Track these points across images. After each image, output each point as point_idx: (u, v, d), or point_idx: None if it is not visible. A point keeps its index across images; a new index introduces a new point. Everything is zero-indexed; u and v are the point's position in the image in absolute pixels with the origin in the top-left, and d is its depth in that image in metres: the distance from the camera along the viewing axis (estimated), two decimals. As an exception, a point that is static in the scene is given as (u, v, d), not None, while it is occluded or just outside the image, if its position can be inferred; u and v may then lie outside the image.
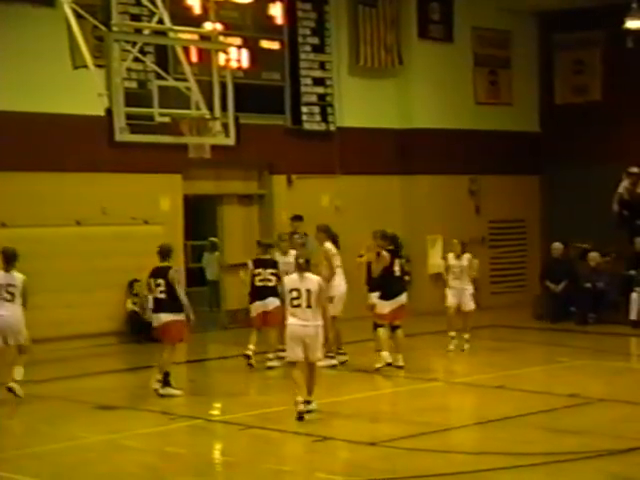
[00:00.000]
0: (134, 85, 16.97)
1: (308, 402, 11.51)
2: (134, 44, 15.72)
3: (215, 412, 12.85)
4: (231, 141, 16.86)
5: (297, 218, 19.22)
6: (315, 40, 20.46)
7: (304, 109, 20.32)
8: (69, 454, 10.44)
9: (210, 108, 15.62)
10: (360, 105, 20.99)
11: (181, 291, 13.51)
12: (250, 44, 19.60)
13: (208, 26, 17.24)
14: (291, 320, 11.56)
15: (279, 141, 19.91)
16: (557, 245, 20.07)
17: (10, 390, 12.90)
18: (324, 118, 20.58)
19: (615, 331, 18.16)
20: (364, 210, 20.63)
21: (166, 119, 16.38)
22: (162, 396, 13.02)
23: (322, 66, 20.60)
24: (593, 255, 19.96)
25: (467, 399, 12.88)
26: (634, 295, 19.07)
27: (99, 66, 14.30)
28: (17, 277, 13.16)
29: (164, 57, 17.14)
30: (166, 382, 13.26)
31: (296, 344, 11.50)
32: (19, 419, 12.23)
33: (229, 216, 20.19)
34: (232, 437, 11.22)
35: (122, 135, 15.02)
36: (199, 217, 21.51)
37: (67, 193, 17.28)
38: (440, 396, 13.00)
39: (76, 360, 15.96)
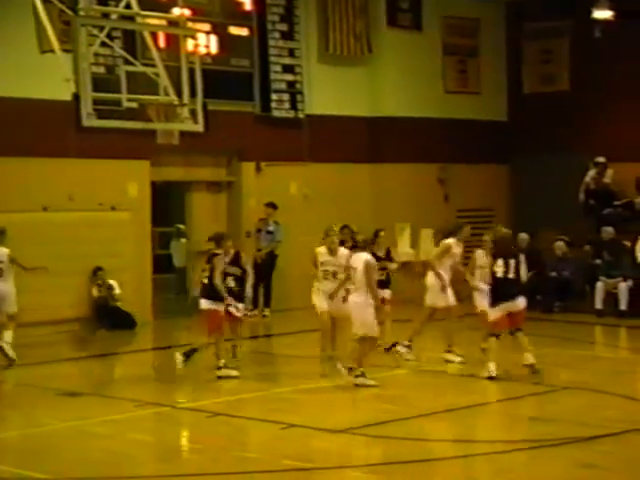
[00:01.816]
0: (102, 70, 16.85)
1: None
2: (101, 29, 15.62)
3: (182, 399, 12.82)
4: (200, 127, 16.79)
5: (271, 205, 19.33)
6: (284, 27, 20.41)
7: (273, 96, 20.27)
8: (34, 441, 10.39)
9: (178, 94, 15.55)
10: (329, 93, 20.97)
11: (218, 278, 13.29)
12: (219, 30, 19.51)
13: (176, 11, 17.16)
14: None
15: (248, 128, 19.85)
16: (523, 235, 20.14)
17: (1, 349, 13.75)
18: (293, 105, 20.54)
19: (580, 320, 18.30)
20: (333, 198, 20.64)
21: (134, 105, 16.30)
22: (220, 378, 13.28)
23: (291, 53, 20.55)
24: (559, 244, 20.09)
25: (434, 387, 12.91)
26: (599, 284, 19.22)
27: (66, 51, 14.19)
28: (2, 252, 13.57)
29: (132, 42, 17.03)
30: (187, 355, 13.58)
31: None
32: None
33: (197, 203, 20.14)
34: (199, 424, 11.21)
35: (89, 120, 14.92)
36: (167, 204, 21.45)
37: (34, 179, 17.17)
38: (408, 384, 13.05)
39: (41, 346, 15.87)
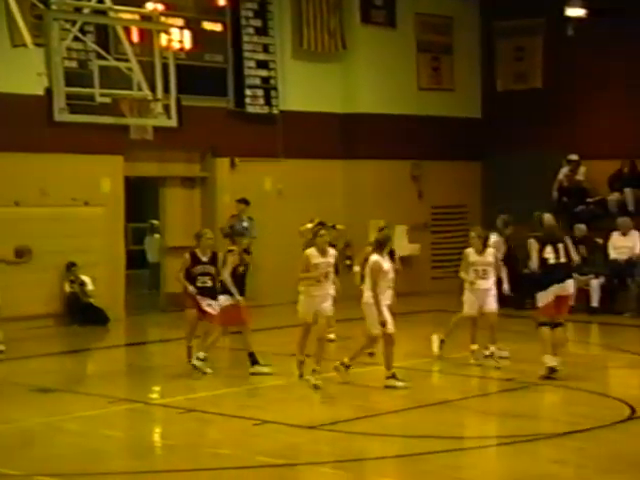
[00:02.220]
0: (74, 65, 16.76)
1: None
2: (74, 23, 15.54)
3: (154, 395, 12.81)
4: (173, 123, 16.75)
5: (243, 201, 19.22)
6: (258, 22, 20.38)
7: (247, 92, 20.24)
8: (6, 437, 10.36)
9: (152, 89, 15.51)
10: (303, 89, 20.97)
11: (225, 273, 13.18)
12: (192, 25, 19.46)
13: (149, 6, 17.10)
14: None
15: (222, 124, 19.82)
16: (498, 225, 20.21)
17: None
18: (267, 101, 20.52)
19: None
20: (307, 194, 20.65)
21: (107, 100, 16.24)
22: (252, 374, 13.14)
23: (265, 49, 20.52)
24: (531, 241, 20.13)
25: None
26: (570, 281, 19.28)
27: (38, 45, 14.11)
28: None
29: (105, 37, 16.96)
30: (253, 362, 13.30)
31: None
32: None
33: (171, 198, 20.10)
34: (172, 420, 11.19)
35: (62, 115, 14.87)
36: (141, 199, 21.39)
37: (6, 173, 17.08)
38: (379, 380, 13.06)
39: (13, 342, 15.76)
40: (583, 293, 19.27)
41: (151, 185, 20.69)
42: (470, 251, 13.89)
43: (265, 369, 13.22)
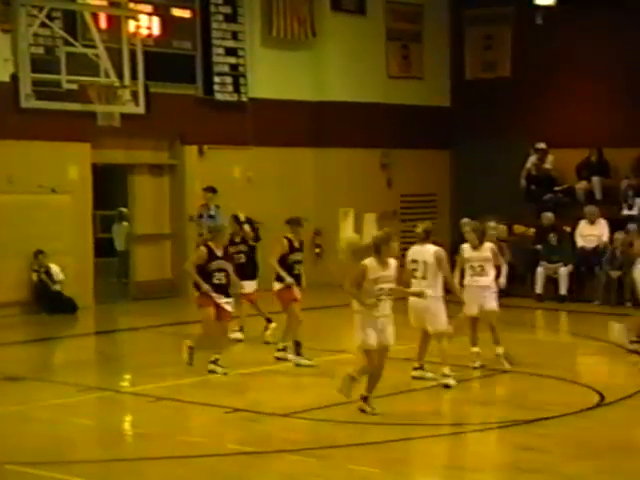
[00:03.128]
0: (41, 51, 16.66)
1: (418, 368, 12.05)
2: (41, 9, 15.48)
3: (125, 384, 12.81)
4: (141, 110, 16.77)
5: (210, 189, 19.10)
6: (227, 9, 20.32)
7: (216, 79, 20.19)
8: (-25, 426, 10.34)
9: (120, 76, 15.49)
10: (273, 76, 20.96)
11: (273, 261, 13.03)
12: (161, 12, 19.38)
13: (118, -8, 17.08)
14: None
15: (190, 111, 19.78)
16: (466, 220, 20.34)
17: None
18: (236, 88, 20.49)
19: (521, 304, 18.52)
20: (277, 182, 20.69)
21: (74, 86, 16.20)
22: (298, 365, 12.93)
23: (234, 36, 20.48)
24: (502, 228, 20.29)
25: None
26: (540, 269, 19.48)
27: (5, 31, 14.05)
28: None
29: (72, 23, 16.86)
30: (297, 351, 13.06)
31: (414, 316, 11.79)
32: None
33: (140, 186, 20.04)
34: (142, 409, 11.20)
35: (28, 102, 14.87)
36: (109, 187, 21.30)
37: (-28, 161, 16.97)
38: (350, 367, 13.12)
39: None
40: (551, 281, 19.47)
41: (119, 172, 20.62)
42: (465, 247, 12.76)
43: (304, 361, 12.98)
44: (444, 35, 23.83)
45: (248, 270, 14.63)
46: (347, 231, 21.75)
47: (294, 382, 12.27)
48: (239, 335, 14.80)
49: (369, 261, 10.34)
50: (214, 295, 12.51)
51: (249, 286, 14.62)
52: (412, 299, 11.72)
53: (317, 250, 21.37)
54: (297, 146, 21.40)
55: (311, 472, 8.76)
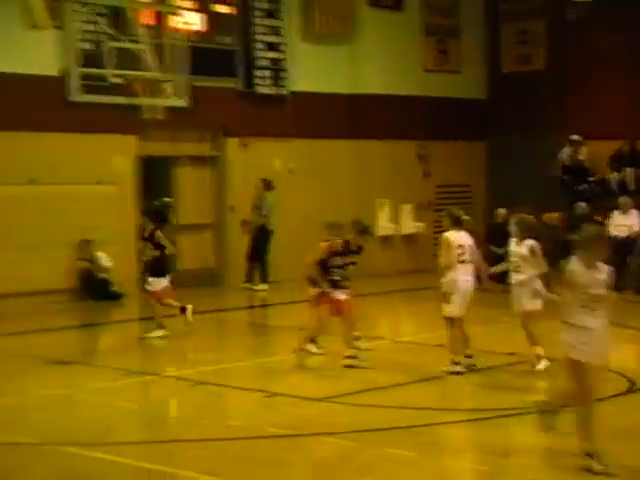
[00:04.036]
0: (89, 46, 16.74)
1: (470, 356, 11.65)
2: (89, 5, 15.55)
3: (167, 368, 12.85)
4: (184, 103, 16.80)
5: (262, 181, 19.25)
6: (269, 5, 20.31)
7: (257, 73, 20.19)
8: (24, 407, 10.41)
9: (164, 70, 15.53)
10: (313, 70, 20.92)
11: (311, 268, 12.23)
12: (204, 8, 19.40)
13: (163, -11, 17.12)
14: (464, 277, 11.47)
15: (232, 104, 19.79)
16: (501, 211, 20.20)
17: None
18: (276, 82, 20.48)
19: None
20: (316, 173, 20.67)
21: (120, 80, 16.27)
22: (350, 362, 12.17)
23: (275, 31, 20.46)
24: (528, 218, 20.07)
25: (411, 357, 12.97)
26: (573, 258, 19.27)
27: (55, 27, 14.12)
28: None
29: (119, 19, 16.91)
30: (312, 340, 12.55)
31: (465, 300, 11.54)
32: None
33: (183, 177, 20.08)
34: (184, 393, 11.24)
35: (76, 95, 14.91)
36: (153, 178, 21.36)
37: (21, 152, 17.06)
38: (385, 354, 13.10)
39: (29, 316, 15.84)
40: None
41: (163, 164, 20.66)
42: (512, 240, 11.96)
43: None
44: (480, 29, 23.70)
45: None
46: (383, 221, 21.75)
47: (332, 368, 12.21)
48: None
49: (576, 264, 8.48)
50: (330, 291, 12.01)
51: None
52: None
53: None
54: (335, 138, 21.35)
55: (348, 455, 8.75)
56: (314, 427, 9.56)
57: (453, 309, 11.60)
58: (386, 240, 21.82)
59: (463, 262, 11.57)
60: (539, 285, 11.59)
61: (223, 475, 8.04)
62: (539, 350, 11.72)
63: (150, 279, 14.27)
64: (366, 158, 21.78)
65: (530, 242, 11.75)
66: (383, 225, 21.79)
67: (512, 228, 12.19)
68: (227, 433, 9.34)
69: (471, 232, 11.95)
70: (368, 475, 8.22)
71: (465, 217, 11.90)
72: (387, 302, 17.83)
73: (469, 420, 9.86)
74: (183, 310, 14.49)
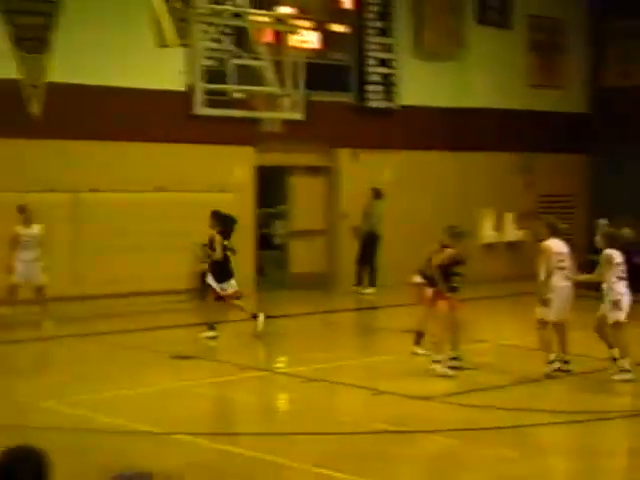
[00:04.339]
0: (213, 63, 16.97)
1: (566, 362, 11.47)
2: (214, 25, 15.76)
3: (280, 365, 12.94)
4: (300, 116, 16.87)
5: (372, 190, 19.33)
6: (381, 24, 20.33)
7: (369, 87, 20.23)
8: (149, 398, 10.58)
9: (282, 85, 15.62)
10: (421, 85, 20.85)
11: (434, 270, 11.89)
12: (320, 27, 19.53)
13: (282, 10, 17.25)
14: (563, 282, 11.36)
15: (345, 117, 19.86)
16: (602, 221, 19.79)
17: None
18: (387, 96, 20.48)
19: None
20: (422, 183, 20.58)
21: (241, 95, 16.45)
22: (415, 354, 12.35)
23: (387, 48, 20.46)
24: (627, 230, 19.55)
25: (512, 360, 12.79)
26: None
27: (182, 45, 14.36)
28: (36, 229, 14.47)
29: (241, 37, 17.12)
30: (417, 341, 12.49)
31: (563, 305, 11.38)
32: (104, 366, 12.40)
33: (297, 186, 20.22)
34: (296, 388, 11.27)
35: (201, 109, 15.11)
36: (269, 187, 21.57)
37: (149, 162, 17.40)
38: (489, 356, 12.95)
39: (155, 314, 16.12)
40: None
41: (279, 174, 20.83)
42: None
43: (421, 351, 12.48)
44: (583, 45, 23.30)
45: None
46: (487, 229, 21.54)
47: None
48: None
49: None
50: (448, 295, 11.79)
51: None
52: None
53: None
54: (442, 149, 21.23)
55: (452, 452, 8.68)
56: (419, 424, 9.50)
57: (550, 313, 11.44)
58: (489, 247, 21.60)
59: (561, 269, 11.43)
60: (620, 295, 11.25)
61: (332, 467, 8.04)
62: (625, 362, 11.28)
63: (220, 284, 14.09)
64: (470, 169, 21.60)
65: (607, 252, 11.36)
66: (486, 233, 21.57)
67: (597, 239, 11.95)
68: (336, 428, 9.34)
69: (567, 240, 11.76)
70: (472, 472, 8.13)
71: (562, 226, 11.77)
72: (490, 307, 17.60)
73: (568, 422, 9.66)
74: (211, 329, 14.20)
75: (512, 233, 22.02)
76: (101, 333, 14.17)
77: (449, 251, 11.72)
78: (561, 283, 11.39)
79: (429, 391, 10.65)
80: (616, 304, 11.22)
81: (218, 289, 14.15)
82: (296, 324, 15.91)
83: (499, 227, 21.88)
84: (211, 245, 14.30)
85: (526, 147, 22.12)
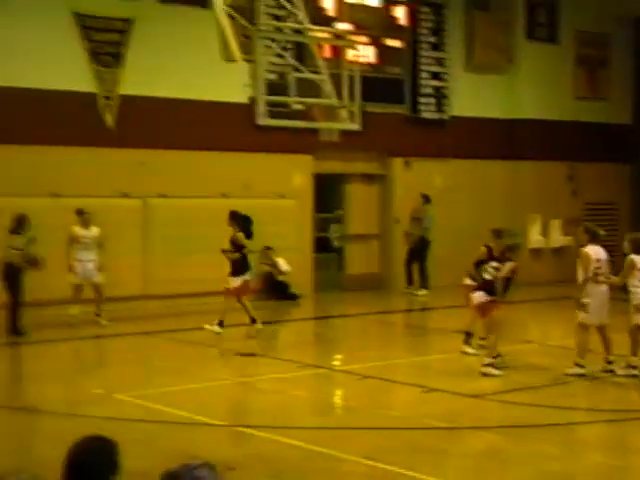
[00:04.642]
0: (274, 77, 17.06)
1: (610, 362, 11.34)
2: (276, 41, 15.82)
3: (336, 362, 12.95)
4: (357, 126, 16.87)
5: (422, 196, 19.31)
6: (434, 39, 20.26)
7: (422, 100, 20.17)
8: (213, 393, 10.66)
9: (339, 97, 15.63)
10: (472, 97, 20.74)
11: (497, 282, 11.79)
12: (376, 42, 19.52)
13: (340, 26, 17.28)
14: (600, 287, 11.21)
15: (399, 127, 19.82)
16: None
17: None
18: (439, 108, 20.40)
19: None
20: (472, 190, 20.47)
21: (301, 107, 16.50)
22: (465, 353, 12.31)
23: (439, 62, 20.39)
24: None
25: (557, 360, 12.64)
26: None
27: (246, 60, 14.45)
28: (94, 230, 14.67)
29: (301, 52, 17.18)
30: (467, 341, 12.44)
31: (601, 309, 11.24)
32: (172, 362, 12.51)
33: (353, 193, 20.23)
34: (351, 385, 11.29)
35: (263, 120, 15.17)
36: (326, 193, 21.59)
37: (214, 169, 17.51)
38: (535, 357, 12.84)
39: (218, 313, 16.18)
40: None
41: (336, 181, 20.84)
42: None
43: (471, 350, 12.38)
44: (629, 61, 22.97)
45: None
46: (534, 234, 21.35)
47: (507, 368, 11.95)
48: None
49: None
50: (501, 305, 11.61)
51: None
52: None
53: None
54: (491, 159, 21.09)
55: (500, 447, 8.63)
56: (467, 421, 9.46)
57: (589, 317, 11.32)
58: (536, 252, 21.41)
59: (600, 275, 11.30)
60: None
61: (384, 460, 8.04)
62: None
63: (229, 278, 14.06)
64: (518, 177, 21.43)
65: (631, 257, 11.26)
66: (534, 238, 21.39)
67: (624, 244, 11.71)
68: (388, 422, 9.34)
69: (607, 247, 11.62)
70: (517, 467, 8.08)
71: (602, 232, 11.63)
72: (537, 309, 17.45)
73: (610, 420, 9.55)
74: (253, 321, 14.13)
75: (558, 239, 21.80)
76: (169, 330, 14.30)
77: (510, 264, 11.61)
78: (598, 288, 11.28)
79: (477, 389, 10.60)
80: (638, 308, 11.12)
81: (233, 283, 13.93)
82: (352, 323, 15.91)
83: (546, 233, 21.67)
84: (234, 244, 14.16)
85: (572, 156, 21.88)
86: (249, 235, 14.34)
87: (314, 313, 17.77)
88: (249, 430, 9.00)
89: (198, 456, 7.89)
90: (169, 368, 12.01)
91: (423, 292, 19.10)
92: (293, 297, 18.13)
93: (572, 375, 11.19)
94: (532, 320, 16.58)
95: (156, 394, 10.38)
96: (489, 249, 12.11)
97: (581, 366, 11.28)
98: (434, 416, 9.48)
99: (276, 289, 18.09)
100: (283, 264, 18.25)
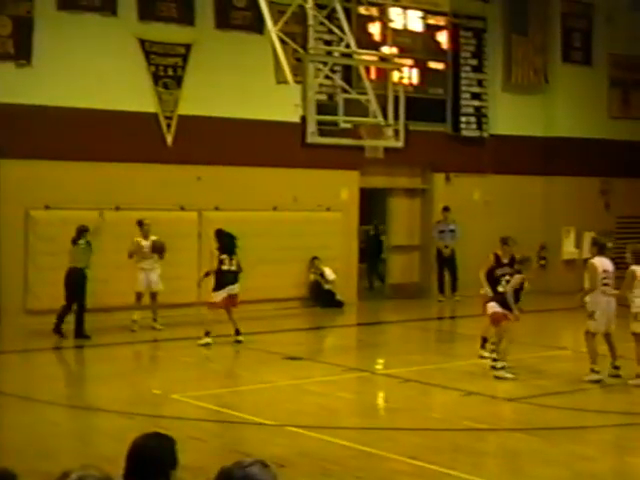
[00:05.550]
0: (324, 97, 17.12)
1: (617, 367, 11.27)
2: (325, 64, 15.89)
3: (379, 367, 12.93)
4: (400, 144, 16.87)
5: (445, 209, 19.25)
6: (474, 62, 20.20)
7: (462, 118, 20.10)
8: (264, 394, 10.71)
9: (385, 117, 15.64)
10: (510, 116, 20.63)
11: (480, 274, 12.11)
12: (420, 65, 19.50)
13: (386, 50, 17.28)
14: (606, 297, 11.18)
15: (440, 145, 19.77)
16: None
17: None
18: (479, 126, 20.32)
19: None
20: (510, 204, 20.32)
21: (348, 125, 16.53)
22: (482, 357, 12.20)
23: (479, 83, 20.32)
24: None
25: (589, 365, 12.48)
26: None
27: (297, 82, 14.51)
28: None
29: (349, 75, 17.22)
30: (483, 346, 12.37)
31: (608, 317, 11.17)
32: (226, 365, 12.58)
33: (396, 206, 20.19)
34: (393, 388, 11.27)
35: (313, 138, 15.22)
36: (371, 206, 21.59)
37: (266, 184, 17.58)
38: (569, 362, 12.70)
39: (268, 319, 16.26)
40: None
41: (380, 195, 20.83)
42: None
43: (486, 354, 12.26)
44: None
45: None
46: (569, 246, 21.16)
47: (518, 373, 11.89)
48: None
49: None
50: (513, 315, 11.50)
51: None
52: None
53: (542, 262, 20.82)
54: (528, 174, 20.94)
55: (535, 448, 8.56)
56: (505, 423, 9.41)
57: (597, 325, 11.22)
58: (570, 263, 21.17)
59: (606, 285, 11.22)
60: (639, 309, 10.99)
61: (425, 460, 8.02)
62: None
63: (212, 293, 13.84)
64: (554, 192, 21.25)
65: (632, 268, 11.11)
66: (568, 250, 21.18)
67: (627, 256, 11.48)
68: (429, 424, 9.31)
69: (613, 259, 11.50)
70: (555, 467, 8.00)
71: (610, 245, 11.53)
72: (571, 317, 17.20)
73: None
74: (237, 332, 13.85)
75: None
76: (222, 335, 14.40)
77: (519, 277, 11.58)
78: (604, 298, 11.20)
79: (513, 393, 10.53)
80: (635, 317, 11.03)
81: (214, 298, 13.73)
82: (394, 330, 15.86)
83: (579, 245, 21.44)
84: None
85: (605, 172, 21.67)
86: (230, 251, 14.05)
87: (357, 320, 17.75)
88: (298, 430, 9.01)
89: (251, 454, 7.96)
90: (222, 371, 12.08)
91: (456, 299, 19.07)
92: (339, 304, 18.13)
93: (589, 381, 11.06)
94: (566, 328, 16.39)
95: (210, 395, 10.45)
96: (496, 256, 12.21)
97: (596, 372, 11.16)
98: (473, 418, 9.43)
99: (323, 297, 18.09)
100: (330, 273, 18.26)
